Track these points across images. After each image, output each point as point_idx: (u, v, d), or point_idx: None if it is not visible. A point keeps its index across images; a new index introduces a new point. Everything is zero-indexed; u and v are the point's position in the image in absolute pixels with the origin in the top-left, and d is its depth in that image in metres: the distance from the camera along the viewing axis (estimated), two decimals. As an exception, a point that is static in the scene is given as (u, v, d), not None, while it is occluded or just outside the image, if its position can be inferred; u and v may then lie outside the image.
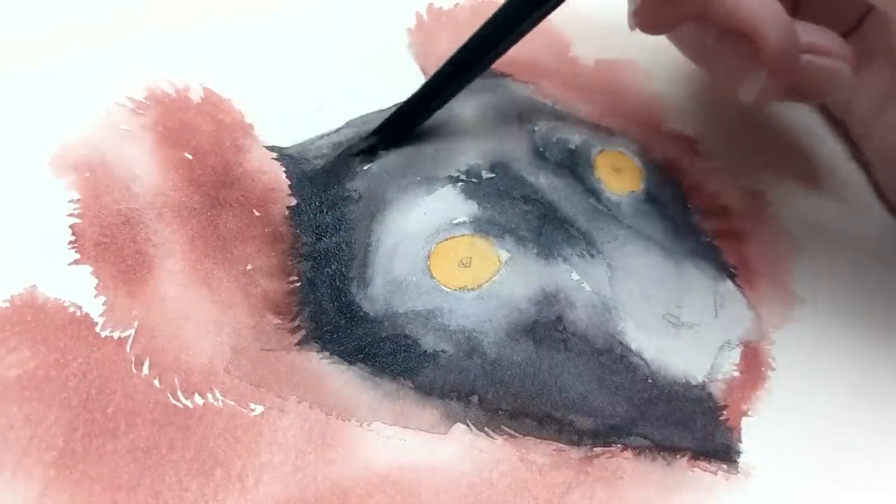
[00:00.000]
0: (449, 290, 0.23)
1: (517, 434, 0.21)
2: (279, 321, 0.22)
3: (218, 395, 0.20)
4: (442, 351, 0.22)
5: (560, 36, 0.32)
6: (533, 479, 0.21)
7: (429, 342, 0.22)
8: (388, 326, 0.23)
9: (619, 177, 0.27)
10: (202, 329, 0.22)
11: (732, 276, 0.26)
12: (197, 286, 0.22)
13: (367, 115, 0.27)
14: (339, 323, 0.22)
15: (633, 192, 0.27)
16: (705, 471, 0.21)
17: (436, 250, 0.24)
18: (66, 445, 0.19)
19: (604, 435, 0.22)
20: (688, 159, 0.29)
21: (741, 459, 0.22)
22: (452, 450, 0.21)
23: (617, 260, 0.25)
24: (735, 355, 0.24)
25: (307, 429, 0.20)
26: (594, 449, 0.21)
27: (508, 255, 0.24)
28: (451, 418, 0.21)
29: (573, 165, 0.27)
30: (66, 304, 0.21)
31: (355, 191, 0.25)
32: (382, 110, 0.27)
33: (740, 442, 0.22)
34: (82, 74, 0.26)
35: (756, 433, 0.22)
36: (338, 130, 0.27)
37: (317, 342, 0.22)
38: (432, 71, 0.25)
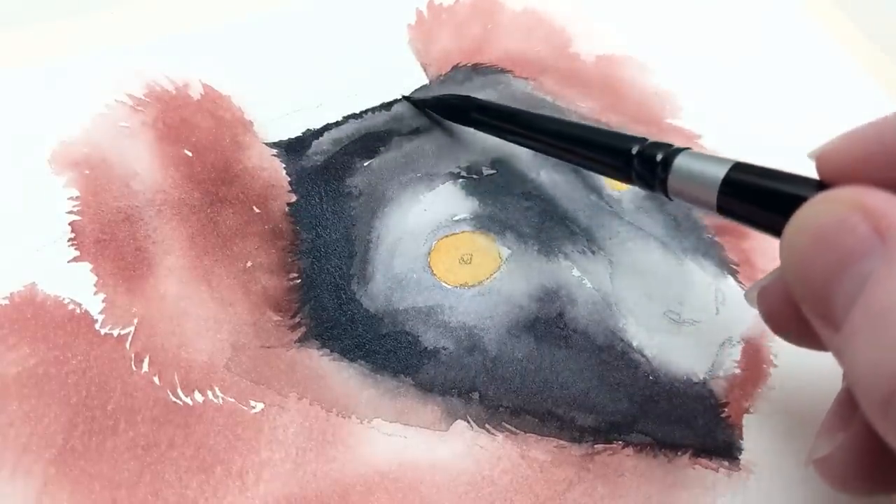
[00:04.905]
0: (449, 286, 0.23)
1: (518, 431, 0.21)
2: (279, 318, 0.22)
3: (218, 393, 0.20)
4: (443, 348, 0.22)
5: (561, 32, 0.32)
6: (534, 475, 0.20)
7: (429, 339, 0.22)
8: (388, 323, 0.23)
9: (620, 173, 0.27)
10: (202, 326, 0.21)
11: (734, 273, 0.26)
12: (197, 283, 0.22)
13: (368, 110, 0.27)
14: (339, 320, 0.22)
15: (633, 188, 0.27)
16: (706, 468, 0.21)
17: (436, 247, 0.24)
18: (66, 443, 0.19)
19: (605, 432, 0.22)
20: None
21: (742, 456, 0.22)
22: (453, 447, 0.21)
23: (618, 256, 0.25)
24: (736, 352, 0.24)
25: (307, 426, 0.20)
26: (595, 446, 0.21)
27: (509, 251, 0.24)
28: (451, 415, 0.21)
29: (574, 162, 0.27)
30: (66, 302, 0.21)
31: (355, 187, 0.25)
32: (384, 105, 0.27)
33: (742, 439, 0.22)
34: (82, 72, 0.26)
35: (757, 430, 0.22)
36: (338, 126, 0.27)
37: (317, 339, 0.22)
38: (432, 68, 0.24)
